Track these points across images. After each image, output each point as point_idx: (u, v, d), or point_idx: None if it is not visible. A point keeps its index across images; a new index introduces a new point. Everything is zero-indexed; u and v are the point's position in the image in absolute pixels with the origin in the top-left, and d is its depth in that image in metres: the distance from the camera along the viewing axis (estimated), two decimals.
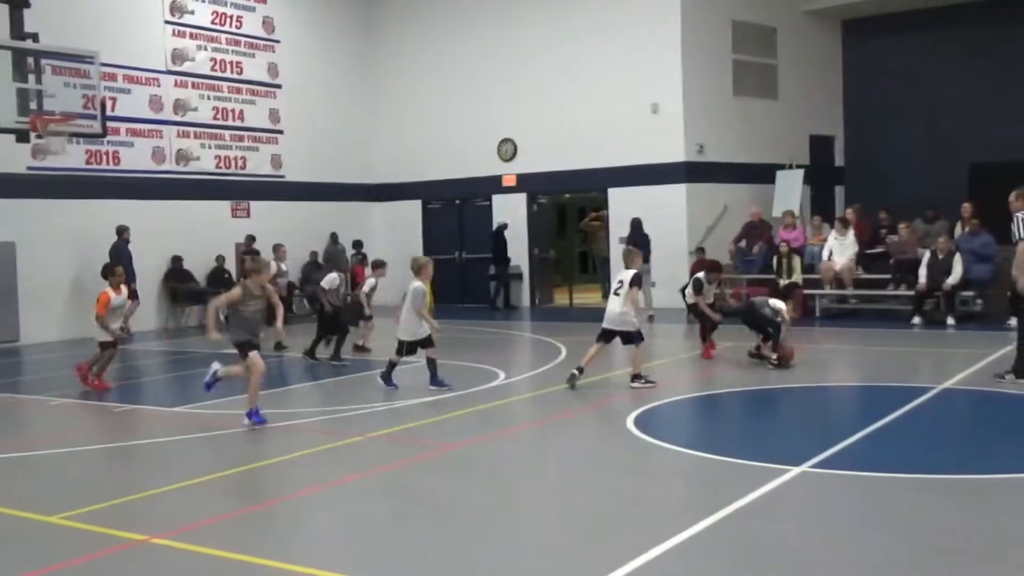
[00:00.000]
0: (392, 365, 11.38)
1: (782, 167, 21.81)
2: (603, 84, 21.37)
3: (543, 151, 22.39)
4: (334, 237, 23.32)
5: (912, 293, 16.68)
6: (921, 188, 20.26)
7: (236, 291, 9.63)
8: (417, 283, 11.25)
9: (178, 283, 20.37)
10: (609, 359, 12.54)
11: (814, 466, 7.36)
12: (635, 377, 11.02)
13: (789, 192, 21.40)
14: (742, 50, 21.98)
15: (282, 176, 22.91)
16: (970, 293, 16.65)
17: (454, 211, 24.62)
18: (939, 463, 7.55)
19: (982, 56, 22.08)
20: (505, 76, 22.85)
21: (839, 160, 24.36)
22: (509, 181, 23.32)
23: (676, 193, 20.86)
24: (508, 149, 23.21)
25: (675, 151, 20.80)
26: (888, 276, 17.79)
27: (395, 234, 24.94)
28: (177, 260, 20.36)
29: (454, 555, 5.75)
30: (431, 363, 11.28)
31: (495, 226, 22.79)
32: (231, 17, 22.03)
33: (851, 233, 18.38)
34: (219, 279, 20.60)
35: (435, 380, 11.23)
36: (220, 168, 21.73)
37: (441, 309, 23.16)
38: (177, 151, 20.85)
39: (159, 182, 20.43)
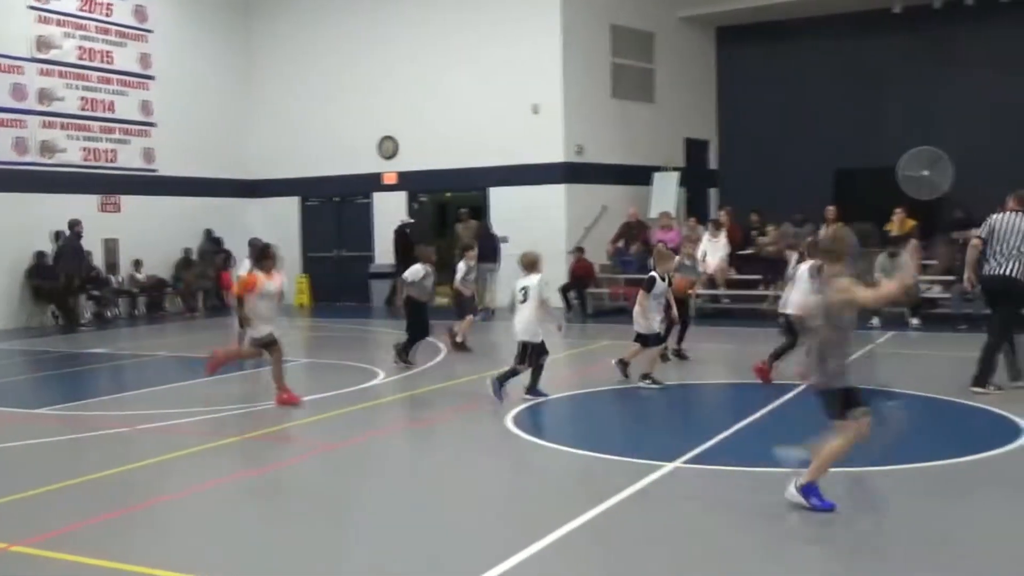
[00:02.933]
0: (513, 373, 10.12)
1: (658, 169, 22.30)
2: (484, 84, 21.41)
3: (424, 149, 22.27)
4: (208, 234, 22.78)
5: (779, 294, 17.19)
6: (791, 191, 20.94)
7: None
8: (537, 277, 10.25)
9: (42, 280, 19.51)
10: (491, 360, 12.56)
11: (687, 461, 7.55)
12: (644, 376, 10.76)
13: (665, 194, 21.88)
14: (620, 54, 22.35)
15: (154, 170, 22.18)
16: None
17: (333, 209, 24.31)
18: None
19: (850, 66, 22.91)
20: (386, 72, 22.64)
21: (713, 163, 25.01)
22: (389, 179, 23.17)
23: (555, 193, 21.08)
24: (389, 147, 23.04)
25: (554, 152, 21.02)
26: (759, 276, 18.32)
27: (272, 231, 24.37)
28: (41, 256, 19.50)
29: (326, 556, 5.68)
30: (538, 370, 10.21)
31: (399, 223, 22.47)
32: (100, 4, 21.23)
33: (723, 235, 18.89)
34: (89, 275, 19.91)
35: (535, 389, 10.22)
36: (88, 161, 20.91)
37: (321, 308, 22.91)
38: (41, 142, 19.98)
39: (21, 174, 19.51)
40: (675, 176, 22.20)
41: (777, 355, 10.91)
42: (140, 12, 22.04)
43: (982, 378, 10.05)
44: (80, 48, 20.83)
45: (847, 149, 22.01)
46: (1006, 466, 7.52)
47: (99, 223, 20.63)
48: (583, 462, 7.93)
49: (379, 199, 23.37)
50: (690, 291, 13.56)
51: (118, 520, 6.61)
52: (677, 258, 13.06)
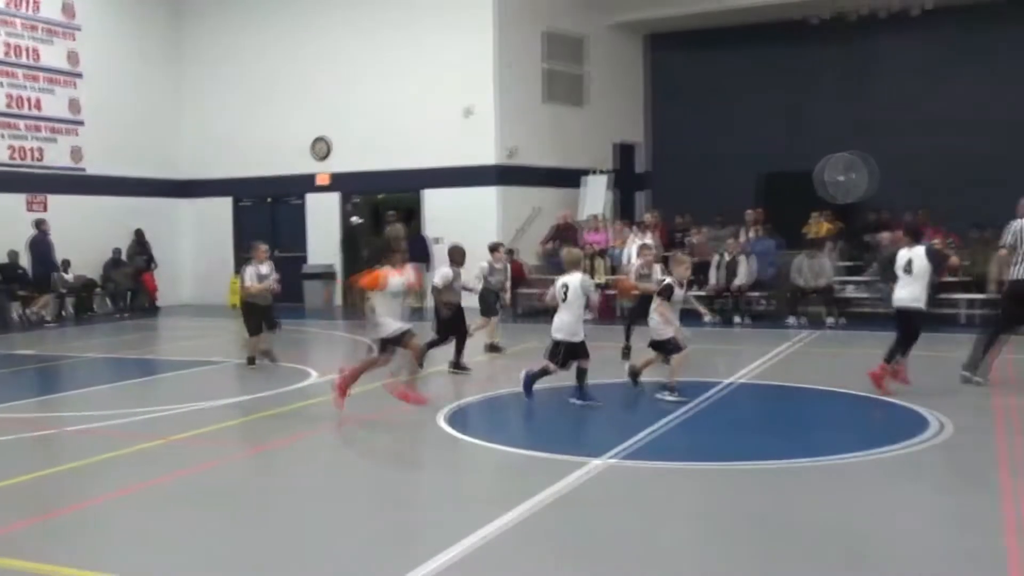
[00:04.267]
0: (544, 372, 9.95)
1: (589, 172, 22.50)
2: (419, 87, 21.40)
3: (358, 151, 22.20)
4: (139, 234, 22.44)
5: (703, 293, 17.56)
6: (718, 195, 21.31)
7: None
8: (579, 275, 10.02)
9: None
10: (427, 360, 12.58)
11: (616, 457, 7.70)
12: (664, 387, 10.16)
13: (595, 196, 22.09)
14: (552, 59, 22.51)
15: (83, 169, 21.76)
16: (756, 293, 17.70)
17: (266, 209, 24.09)
18: (731, 452, 8.04)
19: (775, 74, 23.38)
20: (320, 73, 22.51)
21: (642, 167, 25.28)
22: (323, 180, 23.04)
23: (488, 195, 21.18)
24: (322, 148, 22.91)
25: (487, 155, 21.12)
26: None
27: (204, 231, 24.23)
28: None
29: (254, 556, 5.72)
30: (582, 374, 9.91)
31: (351, 222, 22.41)
32: (26, 0, 20.79)
33: (651, 237, 19.11)
34: (11, 275, 19.47)
35: (582, 393, 9.92)
36: (14, 159, 20.45)
37: None
38: None
39: None
40: (604, 179, 22.43)
41: None
42: (68, 8, 21.61)
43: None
44: (6, 44, 20.38)
45: (772, 154, 22.39)
46: (911, 458, 7.79)
47: (26, 223, 20.22)
48: (514, 459, 8.05)
49: (312, 200, 23.23)
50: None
51: (41, 524, 6.54)
52: (636, 265, 13.11)
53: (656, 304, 10.06)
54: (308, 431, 9.40)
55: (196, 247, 24.37)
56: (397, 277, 9.30)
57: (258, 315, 12.80)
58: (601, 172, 22.60)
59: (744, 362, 12.49)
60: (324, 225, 22.67)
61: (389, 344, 9.40)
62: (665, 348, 10.08)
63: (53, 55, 21.32)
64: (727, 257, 17.62)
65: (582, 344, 9.77)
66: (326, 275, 22.60)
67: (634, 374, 10.63)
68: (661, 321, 9.98)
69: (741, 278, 17.34)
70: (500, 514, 6.19)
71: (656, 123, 25.22)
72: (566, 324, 9.73)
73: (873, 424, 9.38)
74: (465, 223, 20.42)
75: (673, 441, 8.46)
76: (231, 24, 23.63)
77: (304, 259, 23.06)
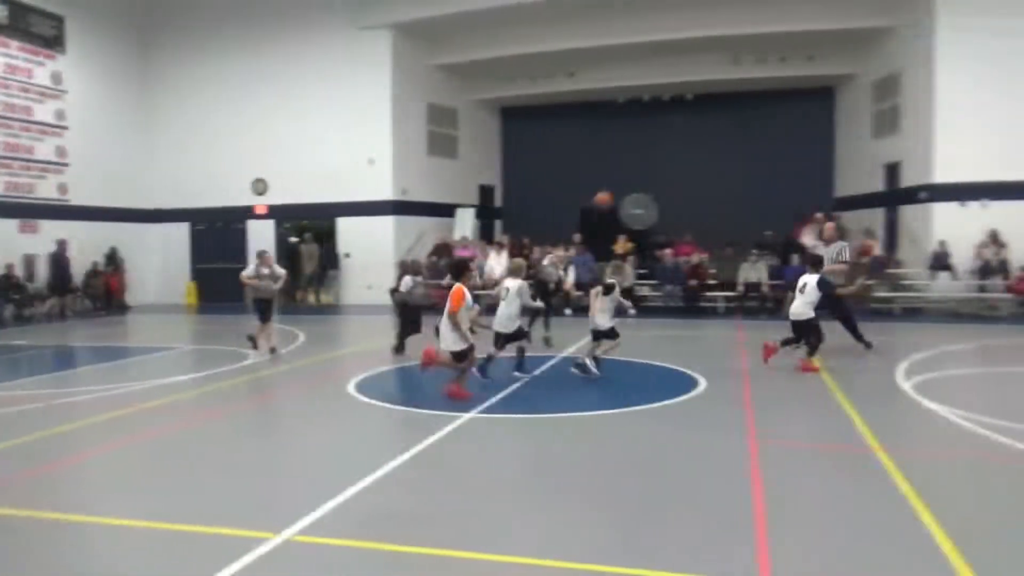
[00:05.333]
0: (490, 358, 9.40)
1: (460, 206, 22.57)
2: (336, 141, 21.06)
3: (288, 187, 21.68)
4: (113, 251, 21.24)
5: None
6: (551, 223, 21.69)
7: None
8: (518, 281, 9.52)
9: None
10: (333, 342, 12.33)
11: (481, 412, 7.74)
12: (591, 357, 9.54)
13: (464, 223, 22.19)
14: (434, 123, 22.49)
15: (67, 200, 20.34)
16: (579, 293, 17.99)
17: (216, 232, 23.11)
18: (562, 407, 8.15)
19: (593, 136, 24.00)
20: (259, 123, 21.81)
21: (498, 202, 25.51)
22: (261, 210, 22.31)
23: (386, 222, 20.97)
24: (260, 186, 22.20)
25: (386, 192, 20.92)
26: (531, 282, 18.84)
27: (167, 249, 23.15)
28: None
29: (186, 499, 5.51)
30: (521, 351, 9.62)
31: (293, 241, 21.67)
32: (23, 69, 19.33)
33: (505, 253, 19.32)
34: (6, 287, 18.07)
35: (520, 366, 9.64)
36: (9, 192, 18.97)
37: (206, 306, 21.75)
38: None
39: None
40: (472, 211, 22.58)
41: None
42: (56, 76, 20.20)
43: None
44: (4, 103, 18.91)
45: (588, 194, 22.78)
46: (686, 407, 8.12)
47: (19, 242, 18.83)
48: (407, 415, 7.98)
49: (252, 225, 22.45)
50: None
51: (41, 475, 6.13)
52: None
53: (599, 302, 9.46)
54: (244, 403, 9.09)
55: (161, 261, 23.24)
56: (469, 296, 8.30)
57: (266, 307, 12.02)
58: (469, 206, 22.75)
59: (570, 342, 12.69)
60: (263, 244, 21.92)
61: (458, 357, 8.28)
62: (607, 335, 9.53)
63: (44, 112, 19.85)
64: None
65: (518, 331, 9.48)
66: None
67: (595, 359, 9.63)
68: (598, 313, 9.45)
69: (569, 281, 17.62)
70: (397, 455, 6.15)
71: (508, 170, 25.50)
72: (503, 317, 9.43)
73: (660, 384, 9.67)
74: (369, 243, 20.34)
75: (520, 400, 8.53)
76: (189, 87, 22.62)
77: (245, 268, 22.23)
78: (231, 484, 5.76)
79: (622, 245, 19.12)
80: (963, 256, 16.75)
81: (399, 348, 11.65)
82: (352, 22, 20.94)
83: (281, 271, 12.34)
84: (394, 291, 12.33)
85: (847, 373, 9.67)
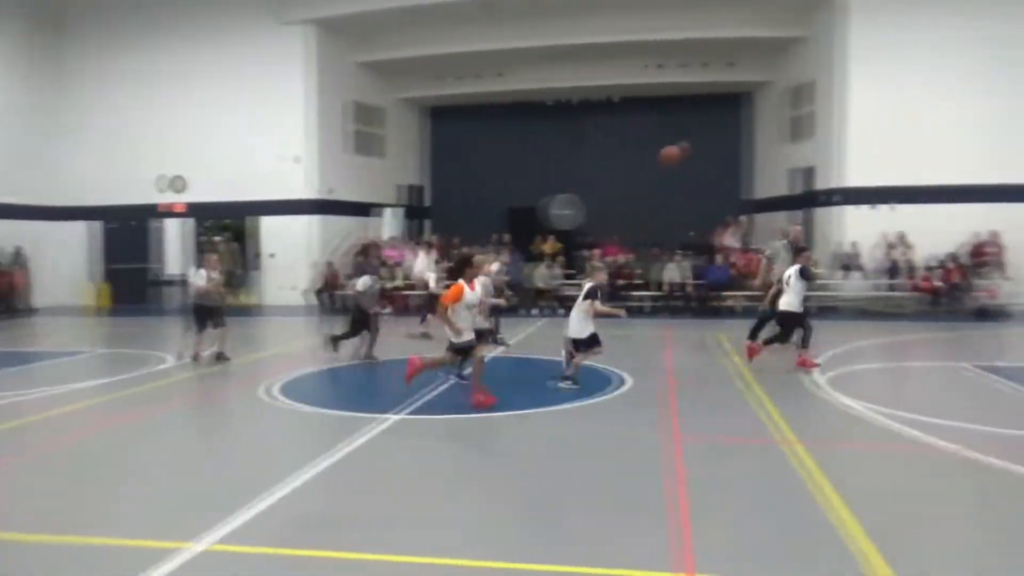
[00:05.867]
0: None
1: (388, 205, 22.36)
2: (258, 138, 20.55)
3: (210, 185, 21.00)
4: (17, 250, 20.19)
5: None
6: (481, 223, 21.72)
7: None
8: (482, 277, 9.23)
9: None
10: (253, 345, 12.02)
11: (406, 413, 7.68)
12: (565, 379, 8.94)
13: (393, 223, 22.01)
14: (359, 121, 22.20)
15: None
16: (510, 292, 18.05)
17: (132, 231, 22.22)
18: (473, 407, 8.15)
19: (521, 137, 24.15)
20: (178, 121, 21.10)
21: (427, 202, 25.36)
22: (179, 208, 21.56)
23: (312, 221, 20.61)
24: (179, 183, 21.46)
25: (309, 191, 20.55)
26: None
27: (78, 249, 22.13)
28: None
29: (100, 506, 5.28)
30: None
31: (217, 240, 20.94)
32: None
33: (434, 252, 19.21)
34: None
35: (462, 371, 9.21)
36: None
37: (119, 309, 20.91)
38: None
39: None
40: (401, 211, 22.45)
41: None
42: None
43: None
44: None
45: (516, 194, 23.12)
46: (611, 405, 8.25)
47: None
48: (324, 418, 7.85)
49: (170, 224, 21.68)
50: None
51: None
52: (495, 268, 12.51)
53: (588, 307, 8.81)
54: (160, 404, 8.76)
55: (71, 261, 22.17)
56: (471, 292, 7.97)
57: (205, 315, 11.15)
58: (397, 205, 22.57)
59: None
60: (181, 243, 21.27)
61: (457, 351, 8.02)
62: (585, 344, 8.87)
63: None
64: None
65: (483, 329, 9.22)
66: (182, 282, 21.19)
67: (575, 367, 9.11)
68: (585, 319, 8.84)
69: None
70: (319, 456, 6.04)
71: (437, 170, 25.37)
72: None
73: (587, 382, 9.73)
74: (294, 242, 19.91)
75: (446, 401, 8.48)
76: (104, 80, 21.69)
77: (161, 269, 21.55)
78: (145, 493, 5.55)
79: (550, 245, 19.29)
80: (872, 257, 17.58)
81: (334, 344, 11.19)
82: (274, 17, 20.49)
83: (216, 275, 11.49)
84: (320, 292, 12.05)
85: (765, 370, 10.00)
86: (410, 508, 5.15)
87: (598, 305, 8.78)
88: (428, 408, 7.98)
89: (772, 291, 10.66)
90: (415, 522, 4.90)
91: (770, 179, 21.88)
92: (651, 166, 23.38)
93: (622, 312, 9.43)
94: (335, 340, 11.30)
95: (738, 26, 19.51)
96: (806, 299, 10.12)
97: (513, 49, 20.59)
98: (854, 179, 17.89)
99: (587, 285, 9.00)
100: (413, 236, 22.52)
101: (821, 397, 8.37)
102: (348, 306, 11.55)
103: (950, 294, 16.58)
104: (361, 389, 9.76)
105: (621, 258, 18.60)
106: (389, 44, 21.39)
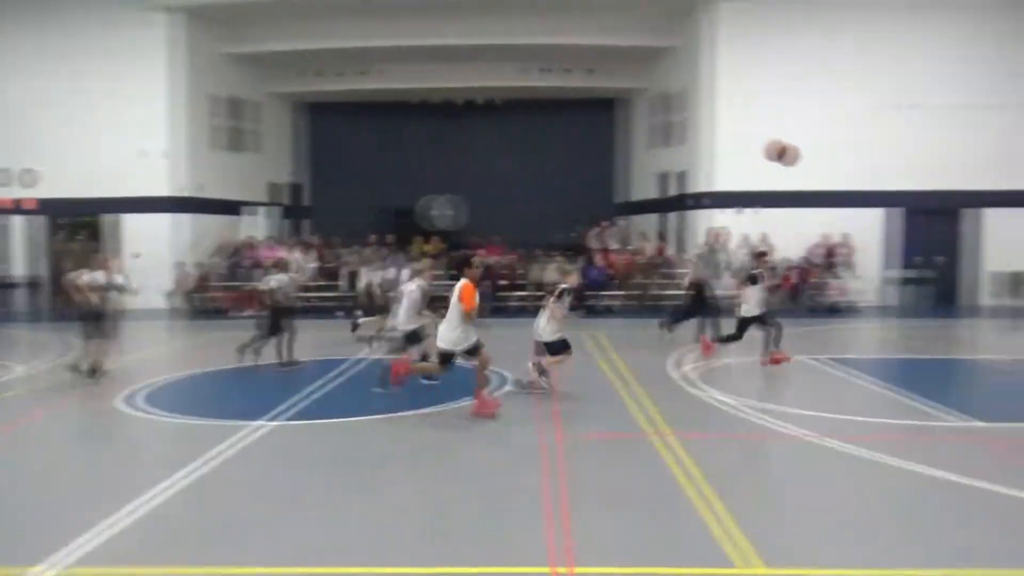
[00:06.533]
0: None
1: (263, 204, 21.62)
2: (118, 131, 19.21)
3: (65, 181, 19.47)
4: None
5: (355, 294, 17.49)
6: (363, 223, 21.38)
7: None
8: (419, 282, 9.09)
9: None
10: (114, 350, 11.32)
11: (276, 420, 7.45)
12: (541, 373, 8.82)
13: (268, 222, 21.29)
14: (232, 116, 21.30)
15: None
16: (392, 293, 17.82)
17: None
18: (365, 409, 8.02)
19: (403, 137, 23.91)
20: (29, 111, 19.43)
21: (307, 201, 24.69)
22: (29, 204, 19.91)
23: (179, 220, 19.55)
24: (28, 177, 19.80)
25: (174, 187, 19.49)
26: (332, 283, 18.46)
27: None
28: None
29: None
30: (424, 357, 9.05)
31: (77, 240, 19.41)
32: None
33: (313, 252, 18.78)
34: None
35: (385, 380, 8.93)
36: None
37: None
38: None
39: None
40: (276, 210, 21.78)
41: None
42: None
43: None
44: None
45: (399, 194, 22.96)
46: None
47: None
48: (191, 427, 7.49)
49: (19, 221, 20.00)
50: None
51: None
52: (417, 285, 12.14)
53: (555, 310, 8.70)
54: (5, 420, 8.10)
55: None
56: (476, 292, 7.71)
57: (93, 321, 9.82)
58: (272, 204, 21.83)
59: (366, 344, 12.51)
60: (32, 241, 19.68)
61: (464, 354, 7.69)
62: (554, 348, 8.76)
63: None
64: (354, 269, 17.62)
65: (415, 332, 9.17)
66: (32, 284, 19.67)
67: (540, 371, 8.97)
68: (555, 321, 8.65)
69: (363, 283, 17.42)
70: (182, 467, 5.77)
71: (317, 168, 24.74)
72: (402, 321, 9.16)
73: (470, 383, 9.75)
74: (158, 241, 18.87)
75: (320, 405, 8.33)
76: None
77: (8, 270, 19.86)
78: None
79: (433, 246, 19.23)
80: (737, 257, 18.60)
81: (246, 352, 10.52)
82: (138, 3, 19.32)
83: (121, 280, 10.30)
84: (189, 294, 11.39)
85: (637, 367, 10.40)
86: (279, 518, 5.01)
87: (557, 308, 8.62)
88: (301, 413, 7.79)
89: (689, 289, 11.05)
90: (285, 532, 4.77)
91: (641, 182, 22.76)
92: (529, 168, 24.23)
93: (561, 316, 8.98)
94: (246, 348, 10.61)
95: (611, 34, 20.18)
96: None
97: (392, 47, 20.38)
98: (721, 184, 18.89)
99: (560, 286, 8.87)
100: (291, 236, 21.86)
101: (691, 392, 8.79)
102: (216, 308, 10.92)
103: (806, 292, 17.79)
104: (233, 395, 9.39)
105: (503, 259, 18.77)
106: (262, 36, 20.65)
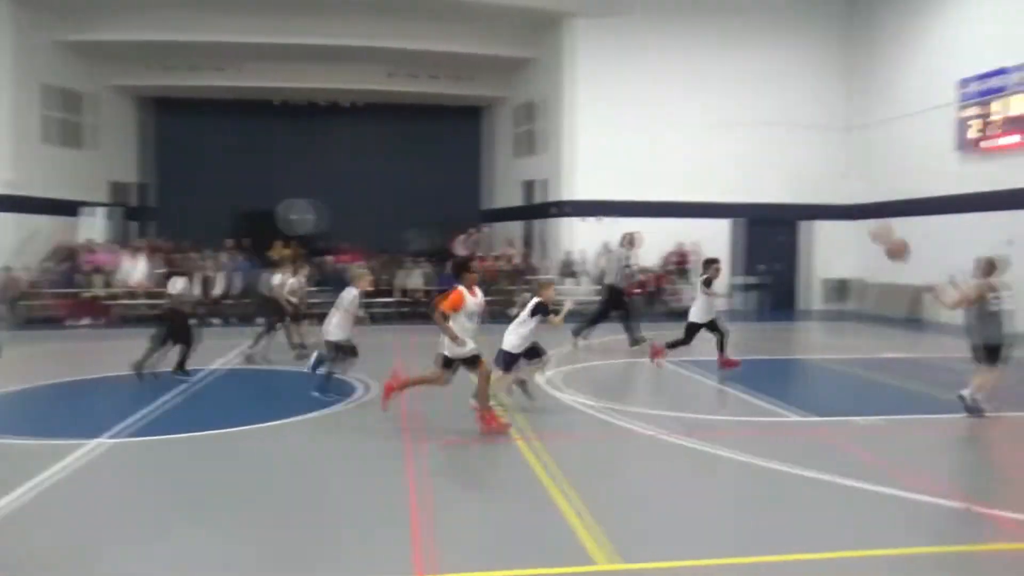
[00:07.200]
0: (330, 371, 8.86)
1: (101, 204, 20.17)
2: None
3: None
4: None
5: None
6: (210, 226, 20.34)
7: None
8: (354, 290, 8.72)
9: None
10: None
11: (116, 437, 6.94)
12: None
13: (111, 223, 19.92)
14: (67, 109, 19.68)
15: None
16: (230, 301, 17.02)
17: None
18: (215, 422, 7.61)
19: (251, 137, 23.15)
20: None
21: (151, 202, 23.22)
22: None
23: None
24: None
25: None
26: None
27: None
28: None
29: None
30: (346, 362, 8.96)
31: None
32: None
33: (157, 257, 17.64)
34: None
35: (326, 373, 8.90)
36: None
37: None
38: None
39: None
40: (117, 210, 20.40)
41: None
42: None
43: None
44: None
45: (253, 197, 22.19)
46: (347, 414, 8.12)
47: None
48: (20, 447, 6.79)
49: None
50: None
51: None
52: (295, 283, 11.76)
53: (532, 322, 8.01)
54: None
55: None
56: (472, 299, 7.25)
57: None
58: (112, 204, 20.38)
59: (220, 354, 11.81)
60: None
61: (460, 364, 7.31)
62: (536, 353, 8.37)
63: None
64: (209, 274, 16.74)
65: (348, 341, 8.81)
66: None
67: (521, 382, 8.50)
68: (525, 336, 8.02)
69: (218, 290, 16.66)
70: (9, 491, 5.22)
71: (163, 168, 23.34)
72: (333, 325, 8.78)
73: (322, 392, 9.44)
74: None
75: (166, 419, 7.83)
76: None
77: None
78: None
79: (279, 251, 18.53)
80: (595, 264, 19.26)
81: (140, 366, 9.63)
82: None
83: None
84: (16, 299, 10.16)
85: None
86: (117, 542, 4.63)
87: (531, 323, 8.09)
88: (146, 429, 7.28)
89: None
90: (122, 557, 4.42)
91: (506, 190, 23.12)
92: (391, 173, 24.11)
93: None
94: (143, 364, 9.66)
95: (477, 43, 20.43)
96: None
97: (246, 44, 19.57)
98: (580, 193, 19.51)
99: (533, 300, 8.24)
100: (131, 239, 20.37)
101: (555, 395, 8.97)
102: (49, 317, 10.00)
103: (658, 297, 18.68)
104: (68, 411, 8.64)
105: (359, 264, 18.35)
106: (99, 24, 19.16)
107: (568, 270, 19.18)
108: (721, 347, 10.65)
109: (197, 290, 14.25)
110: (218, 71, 21.09)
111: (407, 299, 18.04)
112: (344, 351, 8.80)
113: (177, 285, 10.11)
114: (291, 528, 4.87)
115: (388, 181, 23.56)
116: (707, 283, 10.70)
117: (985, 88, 16.04)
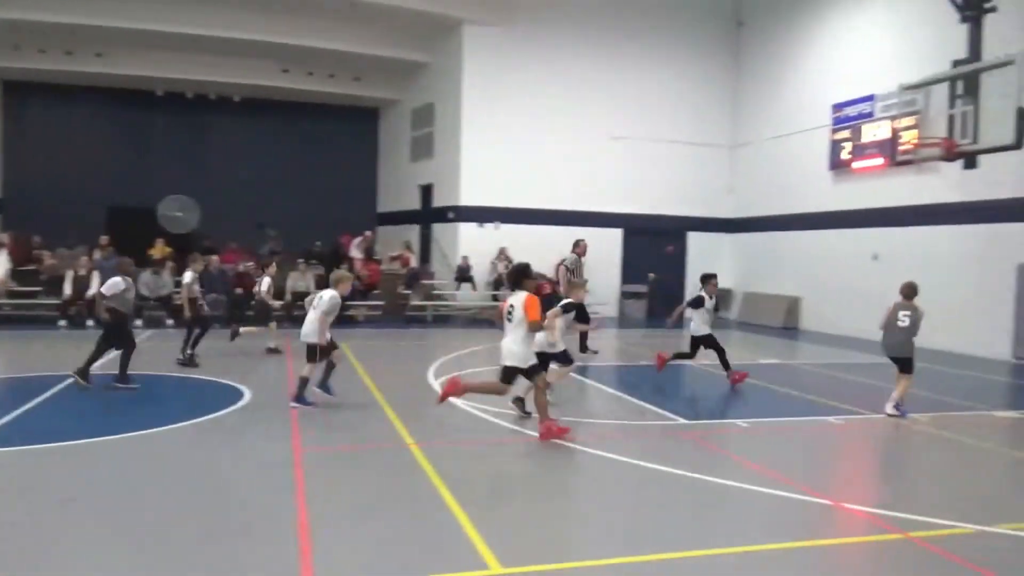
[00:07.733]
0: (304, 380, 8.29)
1: None
2: None
3: None
4: None
5: (60, 301, 15.54)
6: (72, 221, 19.08)
7: None
8: (330, 292, 8.32)
9: None
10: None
11: None
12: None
13: None
14: None
15: None
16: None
17: None
18: (93, 430, 7.14)
19: (125, 128, 22.25)
20: None
21: None
22: None
23: None
24: None
25: None
26: (39, 288, 16.26)
27: None
28: None
29: None
30: (330, 367, 8.41)
31: None
32: None
33: (5, 253, 16.36)
34: None
35: (324, 385, 8.38)
36: None
37: None
38: None
39: None
40: None
41: None
42: None
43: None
44: None
45: (119, 191, 21.20)
46: (230, 419, 7.80)
47: None
48: None
49: None
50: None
51: None
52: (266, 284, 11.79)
53: (557, 320, 8.09)
54: None
55: None
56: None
57: None
58: None
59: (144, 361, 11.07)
60: None
61: (524, 372, 7.17)
62: (561, 359, 8.42)
63: None
64: (81, 272, 15.72)
65: (330, 342, 8.35)
66: None
67: (517, 399, 8.23)
68: (545, 335, 7.97)
69: (93, 289, 15.61)
70: None
71: (12, 155, 21.64)
72: (308, 329, 8.35)
73: (203, 398, 9.00)
74: None
75: (32, 428, 7.24)
76: None
77: None
78: None
79: (160, 249, 17.67)
80: (481, 269, 19.38)
81: (84, 373, 9.00)
82: None
83: None
84: None
85: (386, 374, 10.37)
86: None
87: (559, 321, 8.21)
88: (7, 439, 6.72)
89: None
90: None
91: (404, 193, 22.92)
92: (280, 172, 23.48)
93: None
94: (86, 370, 9.00)
95: (371, 44, 20.22)
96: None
97: (116, 28, 18.50)
98: (467, 198, 19.59)
99: (564, 300, 8.47)
100: None
101: (451, 400, 8.91)
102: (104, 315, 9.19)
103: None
104: None
105: (240, 265, 17.70)
106: None
107: (463, 275, 19.20)
108: (726, 365, 10.50)
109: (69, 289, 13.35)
110: (97, 56, 19.87)
111: (296, 302, 17.52)
112: (325, 352, 8.38)
113: (107, 286, 9.26)
114: (167, 538, 4.61)
115: (282, 180, 23.00)
116: (697, 303, 10.61)
117: (856, 113, 17.27)
